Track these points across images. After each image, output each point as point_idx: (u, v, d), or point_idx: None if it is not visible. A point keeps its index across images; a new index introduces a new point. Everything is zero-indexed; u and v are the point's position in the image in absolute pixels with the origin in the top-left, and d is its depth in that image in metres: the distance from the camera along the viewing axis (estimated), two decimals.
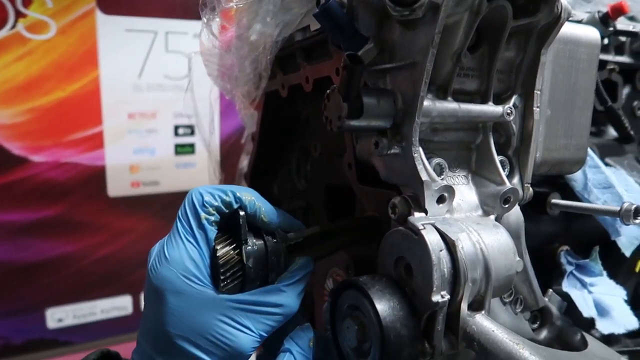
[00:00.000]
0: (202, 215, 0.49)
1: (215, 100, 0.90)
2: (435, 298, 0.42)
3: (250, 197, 0.52)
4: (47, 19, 1.48)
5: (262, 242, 0.50)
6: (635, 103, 0.83)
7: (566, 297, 0.65)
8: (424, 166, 0.46)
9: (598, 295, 0.64)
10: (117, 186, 1.70)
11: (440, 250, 0.43)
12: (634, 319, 0.64)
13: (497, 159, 0.53)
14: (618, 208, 0.55)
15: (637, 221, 0.55)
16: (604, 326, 0.62)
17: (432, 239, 0.43)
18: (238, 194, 0.51)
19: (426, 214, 0.46)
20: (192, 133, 1.77)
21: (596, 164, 0.67)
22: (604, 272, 0.65)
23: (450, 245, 0.44)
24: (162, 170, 1.77)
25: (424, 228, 0.44)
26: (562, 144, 0.58)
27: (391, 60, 0.46)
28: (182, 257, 0.48)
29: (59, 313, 1.68)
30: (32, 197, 1.56)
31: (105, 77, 1.60)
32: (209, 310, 0.47)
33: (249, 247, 0.49)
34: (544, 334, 0.63)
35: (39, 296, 1.64)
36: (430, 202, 0.46)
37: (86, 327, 1.71)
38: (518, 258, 0.48)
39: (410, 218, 0.46)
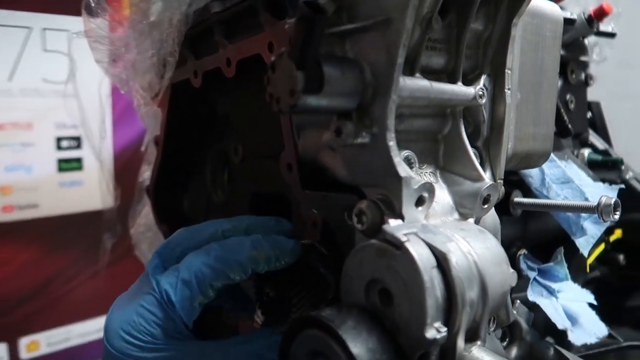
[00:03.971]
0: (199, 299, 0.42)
1: (107, 97, 0.73)
2: (430, 333, 0.32)
3: (261, 255, 0.43)
4: None
5: None
6: (568, 96, 0.81)
7: (532, 307, 0.58)
8: (401, 159, 0.35)
9: (564, 302, 0.58)
10: None
11: (432, 268, 0.33)
12: (602, 325, 0.59)
13: (471, 150, 0.44)
14: (595, 203, 0.49)
15: (616, 216, 0.49)
16: (575, 337, 0.56)
17: (421, 253, 0.32)
18: (243, 265, 0.43)
19: (403, 220, 0.36)
20: (79, 146, 1.53)
21: (552, 157, 0.62)
22: (569, 276, 0.59)
23: (441, 260, 0.33)
24: (43, 190, 1.50)
25: (408, 240, 0.33)
26: (531, 133, 0.51)
27: (352, 20, 0.35)
28: None
29: None
30: None
31: None
32: None
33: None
34: (514, 351, 0.55)
35: None
36: (408, 205, 0.36)
37: None
38: (512, 269, 0.39)
39: (386, 227, 0.34)
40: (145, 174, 0.80)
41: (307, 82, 0.30)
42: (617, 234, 0.81)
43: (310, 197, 0.45)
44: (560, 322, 0.54)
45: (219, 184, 0.74)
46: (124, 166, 1.58)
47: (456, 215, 0.42)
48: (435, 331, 0.32)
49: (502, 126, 0.46)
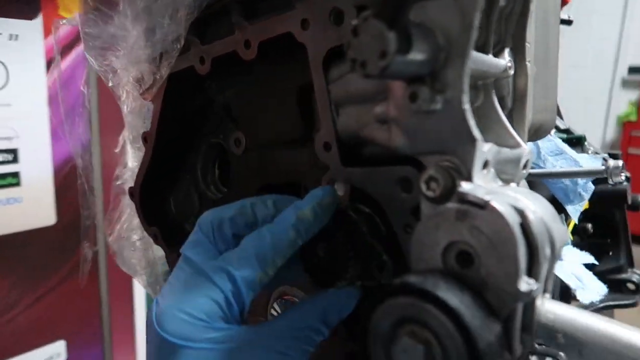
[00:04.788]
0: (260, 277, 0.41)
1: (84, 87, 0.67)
2: (524, 287, 0.32)
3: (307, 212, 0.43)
4: None
5: None
6: None
7: None
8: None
9: (568, 265, 0.62)
10: None
11: (518, 224, 0.33)
12: (601, 284, 0.63)
13: (506, 120, 0.45)
14: (602, 167, 0.53)
15: (622, 177, 0.53)
16: (583, 296, 0.59)
17: (507, 211, 0.33)
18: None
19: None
20: (15, 160, 1.39)
21: None
22: (570, 240, 0.63)
23: (521, 216, 0.34)
24: None
25: (491, 199, 0.34)
26: (542, 105, 0.53)
27: None
28: None
29: None
30: None
31: None
32: None
33: None
34: None
35: None
36: (477, 169, 0.37)
37: None
38: (565, 227, 0.40)
39: (462, 190, 0.35)
40: (126, 176, 0.75)
41: (399, 42, 0.30)
42: (585, 204, 0.87)
43: (353, 174, 0.45)
44: (573, 283, 0.57)
45: (210, 180, 0.71)
46: (65, 185, 1.47)
47: (499, 182, 0.44)
48: (526, 284, 0.33)
49: (525, 97, 0.49)
